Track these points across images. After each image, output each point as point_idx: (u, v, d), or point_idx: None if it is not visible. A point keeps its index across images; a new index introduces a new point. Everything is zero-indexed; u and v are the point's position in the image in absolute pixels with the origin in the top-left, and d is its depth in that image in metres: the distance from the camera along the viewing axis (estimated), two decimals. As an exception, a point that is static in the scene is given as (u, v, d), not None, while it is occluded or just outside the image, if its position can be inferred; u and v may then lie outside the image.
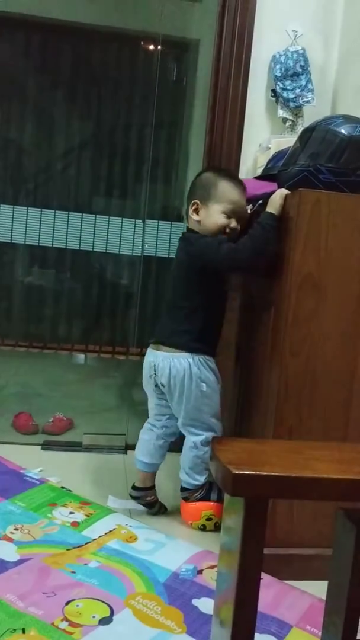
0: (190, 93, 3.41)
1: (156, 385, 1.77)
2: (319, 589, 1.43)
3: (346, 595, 0.77)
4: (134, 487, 1.84)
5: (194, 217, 1.70)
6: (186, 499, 1.79)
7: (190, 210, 1.71)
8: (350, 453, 0.82)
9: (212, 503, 1.76)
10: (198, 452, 1.75)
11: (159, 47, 3.14)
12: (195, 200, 1.70)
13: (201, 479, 1.77)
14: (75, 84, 3.76)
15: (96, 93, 3.75)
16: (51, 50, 3.67)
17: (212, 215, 1.68)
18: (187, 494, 1.79)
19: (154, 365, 1.73)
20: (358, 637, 0.81)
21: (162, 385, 1.73)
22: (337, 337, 1.49)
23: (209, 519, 1.75)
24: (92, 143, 3.73)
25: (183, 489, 1.80)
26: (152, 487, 1.85)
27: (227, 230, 1.68)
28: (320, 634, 1.26)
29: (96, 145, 3.72)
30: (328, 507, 1.53)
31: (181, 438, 1.83)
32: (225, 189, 1.68)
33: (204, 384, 1.70)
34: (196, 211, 1.70)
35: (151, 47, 3.69)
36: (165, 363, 1.70)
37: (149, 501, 1.83)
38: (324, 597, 1.39)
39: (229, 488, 0.67)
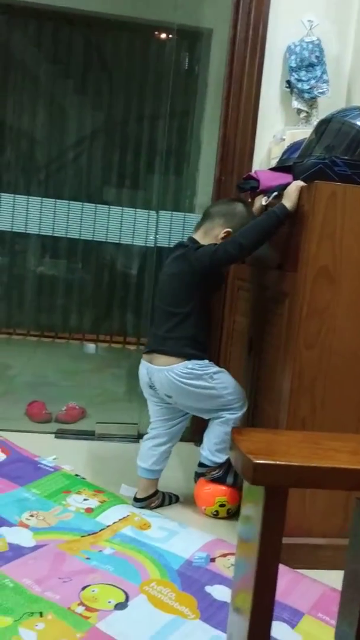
0: (203, 83, 3.40)
1: (151, 388, 1.77)
2: (330, 578, 1.46)
3: (362, 583, 0.79)
4: (136, 499, 1.81)
5: (219, 242, 1.71)
6: (202, 475, 1.80)
7: (221, 236, 1.72)
8: (366, 444, 0.83)
9: (225, 488, 1.77)
10: (229, 429, 1.74)
11: (173, 36, 3.13)
12: (230, 231, 1.71)
13: (222, 458, 1.78)
14: (87, 74, 3.75)
15: (108, 83, 3.74)
16: (63, 40, 3.66)
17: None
18: (205, 470, 1.80)
19: (150, 379, 1.74)
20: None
21: (169, 397, 1.75)
22: (352, 330, 1.50)
23: (222, 505, 1.76)
24: (105, 134, 3.73)
25: (201, 465, 1.81)
26: (155, 493, 1.83)
27: None
28: (331, 621, 1.28)
29: (109, 136, 3.72)
30: (339, 497, 1.54)
31: (195, 424, 1.85)
32: (249, 219, 1.72)
33: (212, 375, 1.71)
34: (224, 239, 1.71)
35: (164, 36, 3.68)
36: (161, 376, 1.70)
37: (154, 506, 1.82)
38: (335, 586, 1.42)
39: (250, 477, 0.68)
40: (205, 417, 1.81)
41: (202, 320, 1.73)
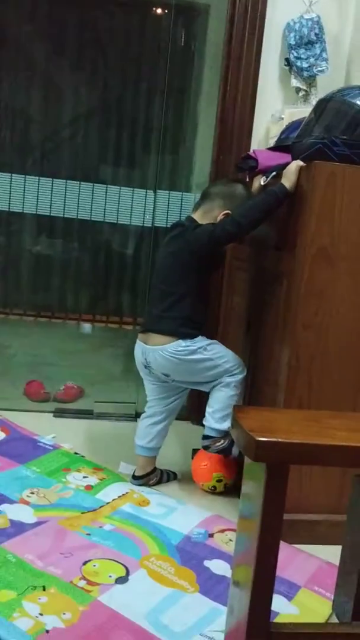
0: (200, 60, 3.35)
1: (146, 368, 1.78)
2: (325, 552, 1.49)
3: (360, 556, 0.81)
4: (134, 477, 1.83)
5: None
6: (207, 448, 1.76)
7: (220, 217, 1.71)
8: (365, 422, 0.85)
9: (222, 464, 1.79)
10: (232, 392, 1.74)
11: (170, 12, 3.07)
12: (229, 212, 1.71)
13: (227, 425, 1.73)
14: (82, 51, 3.69)
15: (104, 60, 3.68)
16: (58, 15, 3.59)
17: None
18: (210, 442, 1.75)
19: (146, 359, 1.75)
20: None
21: (166, 375, 1.75)
22: (350, 310, 1.51)
23: (219, 480, 1.79)
24: (101, 111, 3.68)
25: (206, 437, 1.76)
26: (153, 471, 1.85)
27: None
28: (327, 594, 1.32)
29: (105, 114, 3.67)
30: (335, 475, 1.57)
31: (191, 402, 1.86)
32: (245, 199, 1.71)
33: (206, 347, 1.71)
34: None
35: (160, 12, 3.61)
36: (157, 356, 1.71)
37: (152, 484, 1.84)
38: (330, 560, 1.45)
39: (252, 454, 0.70)
40: (206, 389, 1.79)
41: (199, 300, 1.73)
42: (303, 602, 1.31)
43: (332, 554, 1.33)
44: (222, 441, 1.75)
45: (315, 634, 0.77)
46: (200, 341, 1.72)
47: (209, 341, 1.75)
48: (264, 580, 0.78)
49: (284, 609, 1.28)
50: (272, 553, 0.77)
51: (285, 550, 1.48)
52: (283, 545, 1.48)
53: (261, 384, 1.77)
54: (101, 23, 3.70)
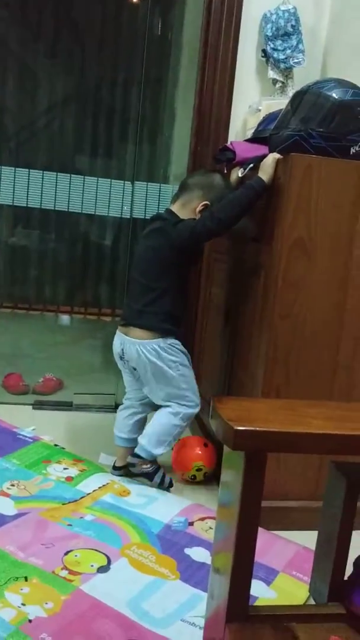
0: (176, 50, 3.33)
1: (121, 359, 1.78)
2: (303, 538, 1.52)
3: (336, 541, 0.83)
4: (114, 467, 1.83)
5: (198, 215, 1.70)
6: (132, 466, 1.75)
7: (199, 209, 1.70)
8: (340, 411, 0.87)
9: (201, 453, 1.83)
10: (176, 422, 1.73)
11: (148, 0, 3.05)
12: (208, 203, 1.70)
13: (159, 451, 1.73)
14: (58, 38, 3.64)
15: (80, 48, 3.64)
16: (33, 2, 3.54)
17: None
18: (137, 461, 1.74)
19: (122, 350, 1.75)
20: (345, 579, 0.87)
21: (134, 369, 1.75)
22: (325, 301, 1.54)
23: (199, 469, 1.82)
24: (78, 101, 3.65)
25: (135, 455, 1.75)
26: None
27: None
28: (304, 578, 1.35)
29: (81, 103, 3.64)
30: (312, 463, 1.61)
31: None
32: (226, 191, 1.70)
33: (179, 365, 1.71)
34: (202, 213, 1.69)
35: (137, 0, 3.59)
36: (132, 349, 1.71)
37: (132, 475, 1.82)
38: (308, 545, 1.48)
39: (231, 443, 0.71)
40: (157, 402, 1.77)
41: (179, 295, 1.73)
42: (281, 586, 1.34)
43: (309, 539, 1.36)
44: (148, 465, 1.74)
45: (293, 615, 0.79)
46: (178, 354, 1.72)
47: (187, 362, 1.75)
48: (243, 566, 0.79)
49: (263, 594, 1.31)
50: (250, 539, 0.79)
51: (263, 537, 1.51)
52: (262, 532, 1.52)
53: (240, 374, 1.79)
54: (77, 11, 3.66)
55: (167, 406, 1.75)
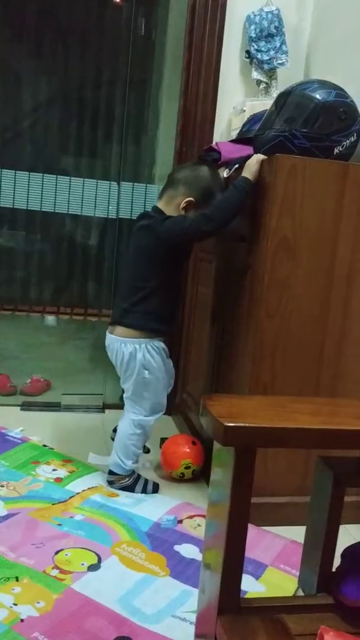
0: (161, 50, 3.34)
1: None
2: (291, 532, 1.55)
3: (324, 533, 0.85)
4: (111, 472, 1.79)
5: (182, 212, 1.67)
6: (111, 483, 1.76)
7: (182, 205, 1.66)
8: (327, 406, 0.90)
9: (189, 451, 1.84)
10: (131, 430, 1.73)
11: (132, 1, 3.06)
12: (192, 200, 1.66)
13: (128, 464, 1.74)
14: (42, 39, 3.63)
15: (64, 48, 3.63)
16: (16, 2, 3.52)
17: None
18: (114, 478, 1.75)
19: (109, 346, 1.74)
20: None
21: (115, 365, 1.75)
22: (311, 299, 1.56)
23: (187, 467, 1.83)
24: (62, 102, 3.64)
25: (111, 473, 1.76)
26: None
27: None
28: (292, 571, 1.37)
29: (66, 103, 3.63)
30: (299, 459, 1.63)
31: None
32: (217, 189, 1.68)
33: (146, 371, 1.69)
34: (186, 209, 1.67)
35: (121, 1, 3.59)
36: (114, 346, 1.71)
37: (125, 485, 1.78)
38: (296, 539, 1.50)
39: (221, 439, 0.73)
40: (125, 398, 1.77)
41: (168, 294, 1.70)
42: (270, 580, 1.36)
43: (297, 533, 1.39)
44: (126, 479, 1.75)
45: (283, 607, 0.81)
46: (158, 364, 1.70)
47: (161, 375, 1.72)
48: (233, 561, 0.81)
49: (252, 588, 1.33)
50: (241, 535, 0.81)
51: (252, 532, 1.52)
52: (250, 527, 1.53)
53: (227, 372, 1.81)
54: (61, 11, 3.65)
55: (129, 412, 1.74)
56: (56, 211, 2.43)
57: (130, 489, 1.75)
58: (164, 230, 1.63)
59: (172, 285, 1.72)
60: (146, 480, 1.78)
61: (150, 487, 1.77)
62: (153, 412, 1.74)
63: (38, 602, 1.21)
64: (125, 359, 1.69)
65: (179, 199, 1.68)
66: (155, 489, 1.78)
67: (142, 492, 1.75)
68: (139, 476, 1.78)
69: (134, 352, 1.68)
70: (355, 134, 1.62)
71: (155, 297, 1.68)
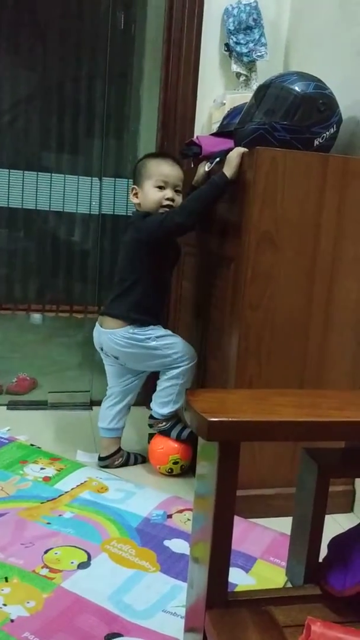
0: (140, 44, 3.32)
1: (102, 350, 1.86)
2: (279, 524, 1.56)
3: (310, 525, 0.86)
4: (100, 458, 1.91)
5: (135, 200, 1.80)
6: (150, 426, 1.90)
7: (131, 196, 1.81)
8: (309, 398, 0.90)
9: (177, 446, 1.86)
10: (175, 380, 1.83)
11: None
12: (133, 186, 1.81)
13: (168, 410, 1.85)
14: (19, 33, 3.59)
15: (42, 43, 3.60)
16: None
17: (147, 193, 1.76)
18: (152, 421, 1.89)
19: (100, 341, 1.83)
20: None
21: (116, 358, 1.83)
22: (294, 291, 1.57)
23: (175, 462, 1.84)
24: (41, 96, 3.60)
25: (151, 417, 1.89)
26: (118, 451, 1.91)
27: (165, 202, 1.74)
28: (282, 563, 1.38)
29: (46, 99, 3.60)
30: (286, 451, 1.64)
31: (147, 388, 1.91)
32: (153, 165, 1.77)
33: (155, 343, 1.78)
34: (136, 195, 1.79)
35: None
36: (106, 339, 1.80)
37: (118, 465, 1.90)
38: (284, 531, 1.51)
39: (205, 434, 0.73)
40: (155, 371, 1.89)
41: (151, 287, 1.78)
42: (260, 572, 1.37)
43: (286, 525, 1.39)
44: (163, 423, 1.87)
45: (271, 599, 0.82)
46: (152, 330, 1.78)
47: (162, 332, 1.80)
48: (220, 554, 0.81)
49: (242, 581, 1.33)
50: (227, 528, 0.81)
51: (241, 525, 1.54)
52: (239, 520, 1.55)
53: (213, 366, 1.81)
54: (38, 6, 3.61)
55: (165, 374, 1.84)
56: (38, 208, 2.41)
57: (166, 432, 1.86)
58: (144, 227, 1.73)
59: (156, 279, 1.79)
60: (184, 427, 1.86)
61: (185, 434, 1.85)
62: (189, 355, 1.82)
63: (28, 602, 1.21)
64: (128, 346, 1.77)
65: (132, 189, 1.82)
66: (190, 437, 1.84)
67: (176, 438, 1.85)
68: (175, 422, 1.87)
69: (130, 337, 1.76)
70: (334, 125, 1.62)
71: (137, 289, 1.77)
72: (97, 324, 1.86)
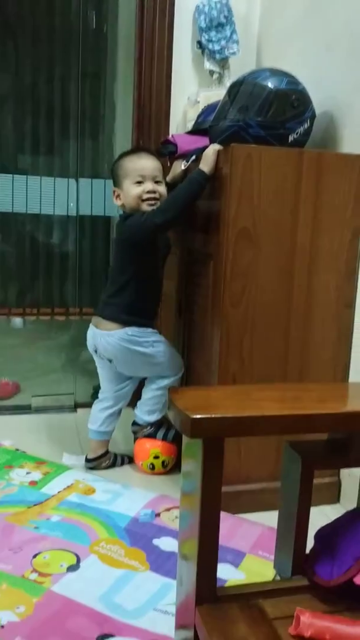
0: (113, 43, 3.31)
1: (96, 352, 1.85)
2: (267, 518, 1.57)
3: (295, 517, 0.87)
4: (87, 460, 1.90)
5: (118, 202, 1.80)
6: (135, 433, 1.91)
7: (114, 199, 1.81)
8: (291, 392, 0.91)
9: (159, 442, 1.87)
10: (162, 391, 1.86)
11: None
12: (114, 189, 1.80)
13: (153, 418, 1.89)
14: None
15: (13, 44, 3.56)
16: None
17: (127, 191, 1.75)
18: (137, 428, 1.91)
19: (94, 343, 1.83)
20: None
21: (110, 361, 1.82)
22: (273, 286, 1.58)
23: (156, 457, 1.85)
24: (14, 98, 3.57)
25: (135, 423, 1.92)
26: (105, 454, 1.91)
27: (146, 196, 1.73)
28: (270, 557, 1.39)
29: (19, 101, 3.56)
30: (271, 445, 1.65)
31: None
32: (127, 163, 1.76)
33: (152, 350, 1.79)
34: (118, 197, 1.79)
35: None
36: (103, 342, 1.80)
37: (105, 467, 1.90)
38: (272, 525, 1.52)
39: (188, 431, 0.73)
40: (144, 377, 1.91)
41: (143, 288, 1.78)
42: (249, 567, 1.38)
43: (273, 519, 1.40)
44: (148, 427, 1.90)
45: (259, 592, 0.82)
46: (148, 334, 1.79)
47: (157, 337, 1.82)
48: (208, 550, 0.81)
49: (232, 576, 1.34)
50: (214, 523, 0.81)
51: (229, 521, 1.55)
52: (227, 516, 1.56)
53: (196, 364, 1.82)
54: (7, 6, 3.57)
55: (152, 382, 1.86)
56: (15, 211, 2.39)
57: (152, 435, 1.89)
58: (126, 229, 1.75)
59: (144, 279, 1.79)
60: (168, 428, 1.89)
61: (170, 435, 1.88)
62: (178, 368, 1.86)
63: (18, 607, 1.20)
64: (121, 352, 1.78)
65: (114, 191, 1.82)
66: (175, 438, 1.86)
67: (162, 439, 1.87)
68: (160, 424, 1.89)
69: (127, 339, 1.77)
70: (308, 121, 1.63)
71: (128, 290, 1.78)
72: (91, 325, 1.84)
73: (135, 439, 1.93)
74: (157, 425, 1.90)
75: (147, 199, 1.72)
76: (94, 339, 1.82)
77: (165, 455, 1.85)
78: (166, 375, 1.85)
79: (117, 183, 1.78)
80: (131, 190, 1.73)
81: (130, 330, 1.76)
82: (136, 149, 1.90)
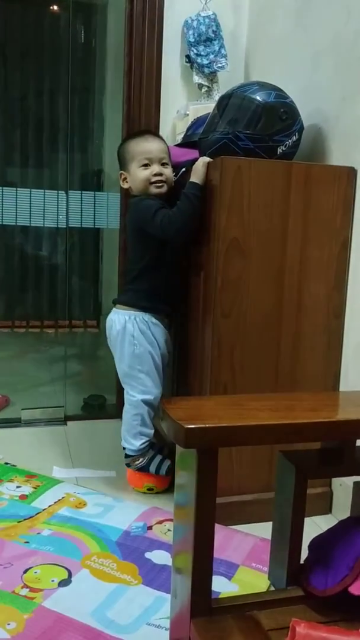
0: (101, 56, 3.34)
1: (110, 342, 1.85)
2: (260, 530, 1.56)
3: (290, 527, 0.86)
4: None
5: (125, 185, 1.81)
6: (128, 466, 1.82)
7: (121, 181, 1.82)
8: (283, 401, 0.91)
9: (152, 477, 1.80)
10: (132, 410, 1.77)
11: (69, 8, 3.04)
12: (120, 172, 1.81)
13: (136, 444, 1.78)
14: (-21, 49, 3.58)
15: (2, 58, 3.59)
16: None
17: (135, 175, 1.75)
18: (129, 460, 1.81)
19: (107, 328, 1.84)
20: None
21: (110, 346, 1.82)
22: (264, 297, 1.58)
23: (150, 489, 1.81)
24: (4, 114, 3.59)
25: (127, 455, 1.82)
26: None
27: (154, 179, 1.73)
28: (264, 569, 1.38)
29: (9, 114, 3.58)
30: (263, 456, 1.64)
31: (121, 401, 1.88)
32: (133, 146, 1.77)
33: (138, 345, 1.75)
34: (125, 180, 1.80)
35: (58, 8, 3.57)
36: (109, 320, 1.81)
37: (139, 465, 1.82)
38: (265, 536, 1.52)
39: (182, 441, 0.73)
40: (120, 379, 1.85)
41: (159, 273, 1.75)
42: (242, 579, 1.37)
43: (266, 530, 1.40)
44: (140, 459, 1.80)
45: (254, 603, 0.82)
46: (149, 338, 1.76)
47: (155, 350, 1.77)
48: (203, 563, 0.81)
49: (225, 588, 1.33)
50: (208, 536, 0.81)
51: (222, 532, 1.54)
52: (220, 528, 1.54)
53: (187, 375, 1.81)
54: (-3, 21, 3.59)
55: (127, 394, 1.80)
56: (4, 224, 2.38)
57: (145, 469, 1.79)
58: (135, 212, 1.74)
59: (161, 264, 1.76)
60: (161, 460, 1.80)
61: (164, 467, 1.78)
62: (153, 390, 1.78)
63: (9, 624, 1.18)
64: (115, 330, 1.77)
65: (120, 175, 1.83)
66: (169, 471, 1.77)
67: (155, 472, 1.79)
68: (154, 455, 1.80)
69: (124, 322, 1.76)
70: (296, 133, 1.65)
71: (144, 277, 1.77)
72: (108, 317, 1.83)
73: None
74: (150, 456, 1.79)
75: (155, 182, 1.73)
76: (108, 322, 1.82)
77: (160, 488, 1.81)
78: (138, 387, 1.77)
79: (123, 166, 1.78)
80: (138, 174, 1.73)
81: (141, 315, 1.75)
82: (141, 132, 1.88)
